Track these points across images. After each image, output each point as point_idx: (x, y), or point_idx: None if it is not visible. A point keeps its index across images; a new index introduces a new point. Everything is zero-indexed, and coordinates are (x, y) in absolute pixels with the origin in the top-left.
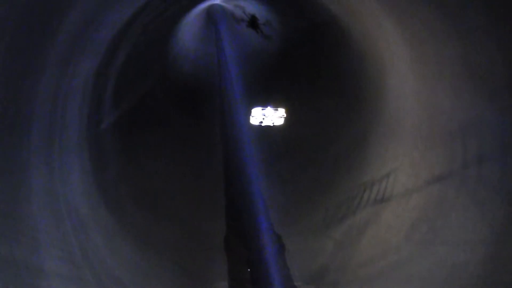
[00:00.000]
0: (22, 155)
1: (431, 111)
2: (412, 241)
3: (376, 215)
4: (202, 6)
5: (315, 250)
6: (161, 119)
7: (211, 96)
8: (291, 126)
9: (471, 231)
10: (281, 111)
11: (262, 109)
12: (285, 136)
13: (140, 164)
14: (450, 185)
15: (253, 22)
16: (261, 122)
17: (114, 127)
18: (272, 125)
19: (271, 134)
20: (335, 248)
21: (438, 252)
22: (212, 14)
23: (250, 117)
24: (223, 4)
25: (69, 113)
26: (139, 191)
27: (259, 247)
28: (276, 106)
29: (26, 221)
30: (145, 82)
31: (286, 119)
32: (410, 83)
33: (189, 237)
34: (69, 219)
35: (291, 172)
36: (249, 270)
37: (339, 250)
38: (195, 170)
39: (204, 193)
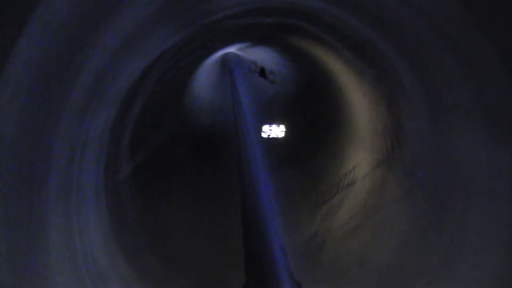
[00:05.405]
0: (39, 206)
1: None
2: (368, 208)
3: (347, 195)
4: (217, 54)
5: (308, 222)
6: (178, 168)
7: (228, 141)
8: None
9: (395, 190)
10: (282, 127)
11: (269, 126)
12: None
13: (158, 213)
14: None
15: (262, 72)
16: (269, 135)
17: (131, 177)
18: (276, 137)
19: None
20: (321, 219)
21: (384, 212)
22: (227, 62)
23: (261, 132)
24: (237, 52)
25: (86, 163)
26: (157, 241)
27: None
28: (279, 124)
29: (43, 272)
30: (162, 131)
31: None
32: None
33: (207, 287)
34: (87, 270)
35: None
36: None
37: (324, 221)
38: (213, 218)
39: (222, 241)
